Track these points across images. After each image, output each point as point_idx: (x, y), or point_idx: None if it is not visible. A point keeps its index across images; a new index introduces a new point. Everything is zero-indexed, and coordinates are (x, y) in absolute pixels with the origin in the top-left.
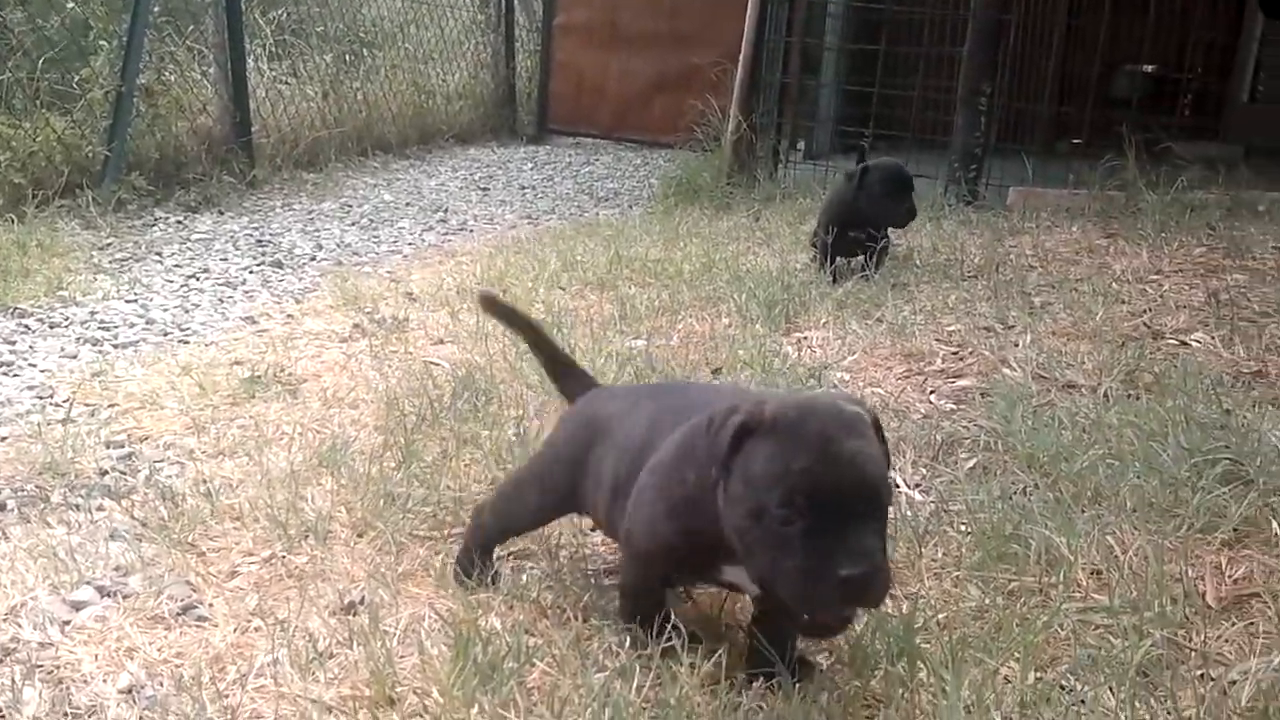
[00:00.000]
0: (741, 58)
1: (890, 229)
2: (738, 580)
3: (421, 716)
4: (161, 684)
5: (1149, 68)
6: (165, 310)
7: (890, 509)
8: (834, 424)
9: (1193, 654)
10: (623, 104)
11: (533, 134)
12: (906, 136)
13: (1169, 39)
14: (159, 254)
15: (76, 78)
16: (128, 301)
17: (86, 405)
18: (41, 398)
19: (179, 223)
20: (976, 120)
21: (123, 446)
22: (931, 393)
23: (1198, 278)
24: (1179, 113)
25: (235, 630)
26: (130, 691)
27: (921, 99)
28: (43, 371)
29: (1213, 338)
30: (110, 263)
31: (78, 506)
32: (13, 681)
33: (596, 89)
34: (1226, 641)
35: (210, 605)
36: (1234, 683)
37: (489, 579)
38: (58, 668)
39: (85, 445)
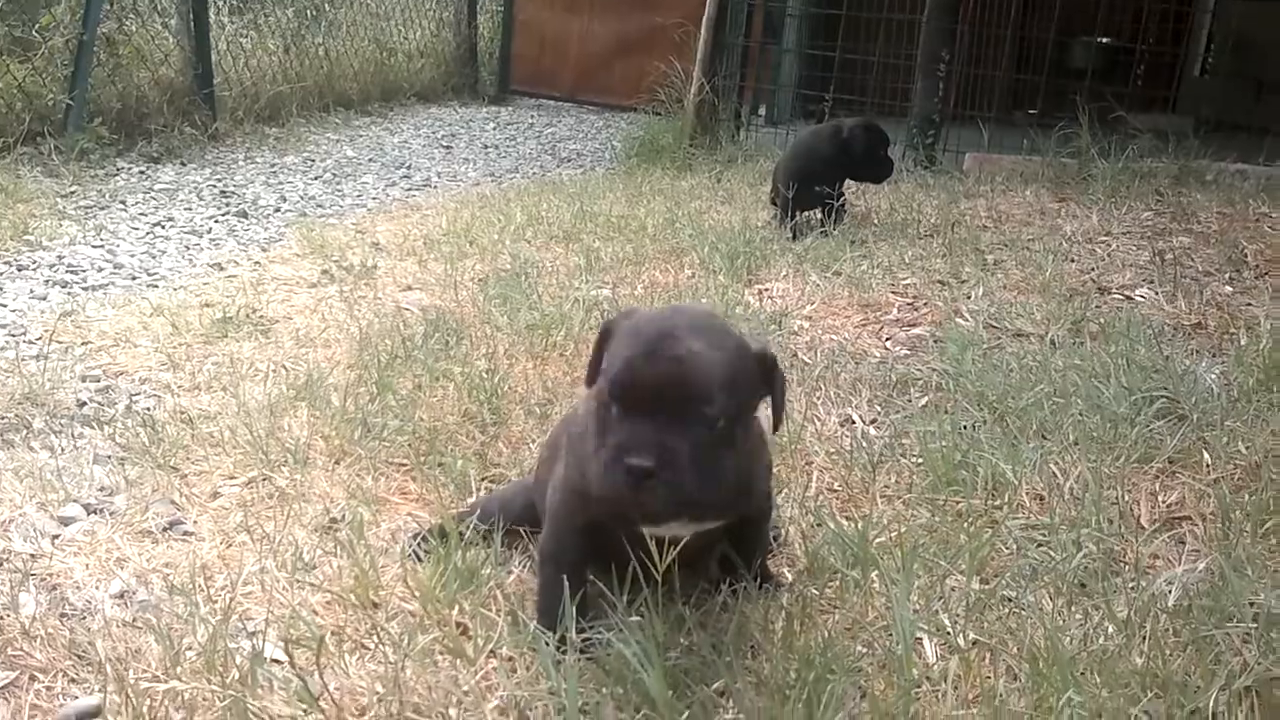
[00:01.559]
0: (704, 19)
1: (881, 179)
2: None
3: (405, 616)
4: (153, 590)
5: (1104, 39)
6: (132, 256)
7: (724, 424)
8: (677, 326)
9: (1126, 567)
10: (585, 65)
11: (494, 94)
12: (866, 102)
13: (1124, 10)
14: (123, 202)
15: (37, 25)
16: (94, 247)
17: (60, 343)
18: (14, 335)
19: (141, 173)
20: (935, 86)
21: (99, 380)
22: (888, 339)
23: (1144, 239)
24: (1132, 83)
25: (221, 544)
26: (123, 596)
27: (881, 65)
28: (13, 311)
29: (1156, 293)
30: (75, 210)
31: (59, 433)
32: (9, 586)
33: (559, 50)
34: (1157, 557)
35: (195, 522)
36: (1165, 588)
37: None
38: (50, 575)
39: (62, 379)
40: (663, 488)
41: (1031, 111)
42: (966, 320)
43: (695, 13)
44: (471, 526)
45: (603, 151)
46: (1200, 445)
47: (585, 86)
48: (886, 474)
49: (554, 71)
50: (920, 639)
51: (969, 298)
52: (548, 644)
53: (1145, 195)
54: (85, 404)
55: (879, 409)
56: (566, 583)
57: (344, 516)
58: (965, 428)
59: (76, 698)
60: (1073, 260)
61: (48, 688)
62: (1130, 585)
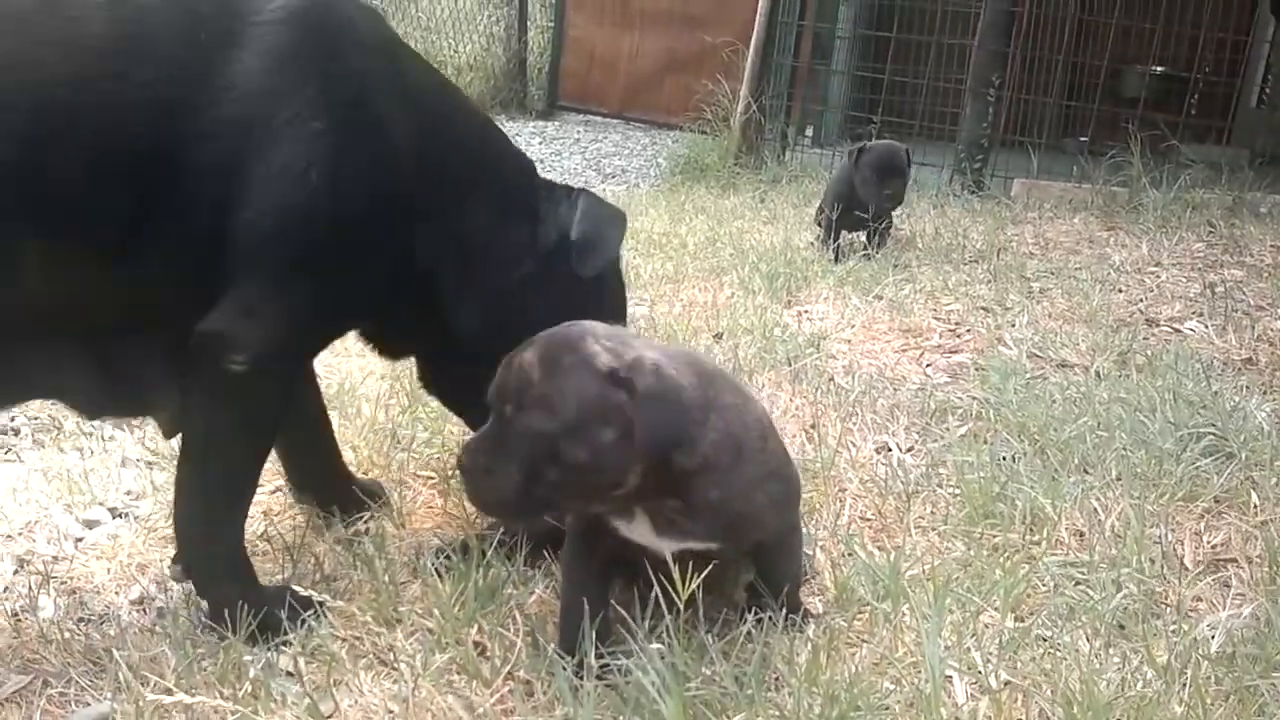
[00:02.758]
0: (753, 39)
1: (880, 210)
2: (642, 539)
3: (423, 634)
4: (172, 597)
5: (1158, 68)
6: None
7: (534, 442)
8: (540, 338)
9: (1168, 609)
10: (634, 83)
11: (542, 109)
12: (915, 125)
13: (1180, 39)
14: None
15: None
16: None
17: None
18: None
19: None
20: (984, 111)
21: None
22: (928, 366)
23: (1195, 271)
24: (1185, 112)
25: None
26: (142, 602)
27: (931, 88)
28: None
29: (1206, 327)
30: None
31: (90, 434)
32: (29, 589)
33: (608, 66)
34: (1200, 600)
35: None
36: (1208, 633)
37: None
38: (72, 579)
39: None
40: (466, 483)
41: (1083, 139)
42: (1010, 349)
43: (744, 32)
44: (495, 543)
45: (648, 169)
46: (1249, 485)
47: (633, 104)
48: (922, 504)
49: (602, 88)
50: (950, 677)
51: (1013, 325)
52: (565, 668)
53: (1197, 226)
54: None
55: (916, 436)
56: (586, 605)
57: (368, 530)
58: (1004, 459)
59: (88, 704)
60: (1120, 290)
61: (60, 693)
62: (1171, 629)
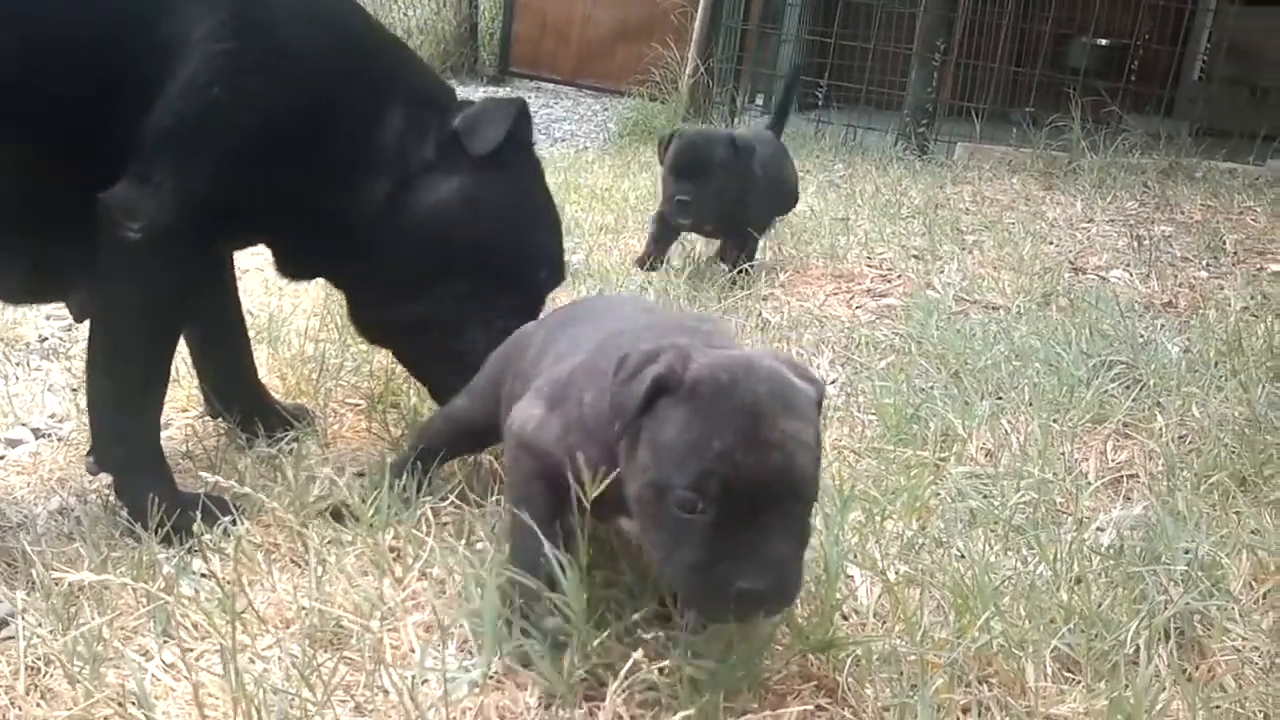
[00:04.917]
0: (701, 2)
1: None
2: (634, 536)
3: (337, 542)
4: (90, 507)
5: (1103, 40)
6: None
7: (813, 503)
8: (769, 399)
9: (1068, 517)
10: (586, 49)
11: (493, 75)
12: (861, 90)
13: (1125, 9)
14: None
15: None
16: None
17: None
18: None
19: None
20: (930, 77)
21: (64, 319)
22: (857, 307)
23: (1126, 227)
24: (1126, 79)
25: None
26: (61, 512)
27: (879, 54)
28: None
29: (1131, 274)
30: None
31: (16, 363)
32: None
33: (560, 33)
34: (1099, 511)
35: None
36: (1099, 529)
37: (417, 477)
38: None
39: (26, 317)
40: (778, 604)
41: (1028, 109)
42: (937, 291)
43: None
44: (414, 455)
45: (597, 133)
46: (1155, 409)
47: (585, 70)
48: (839, 426)
49: (554, 54)
50: (851, 574)
51: (942, 272)
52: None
53: (1132, 187)
54: (46, 339)
55: (840, 368)
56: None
57: (291, 450)
58: (922, 387)
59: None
60: (1052, 243)
61: None
62: (1068, 534)
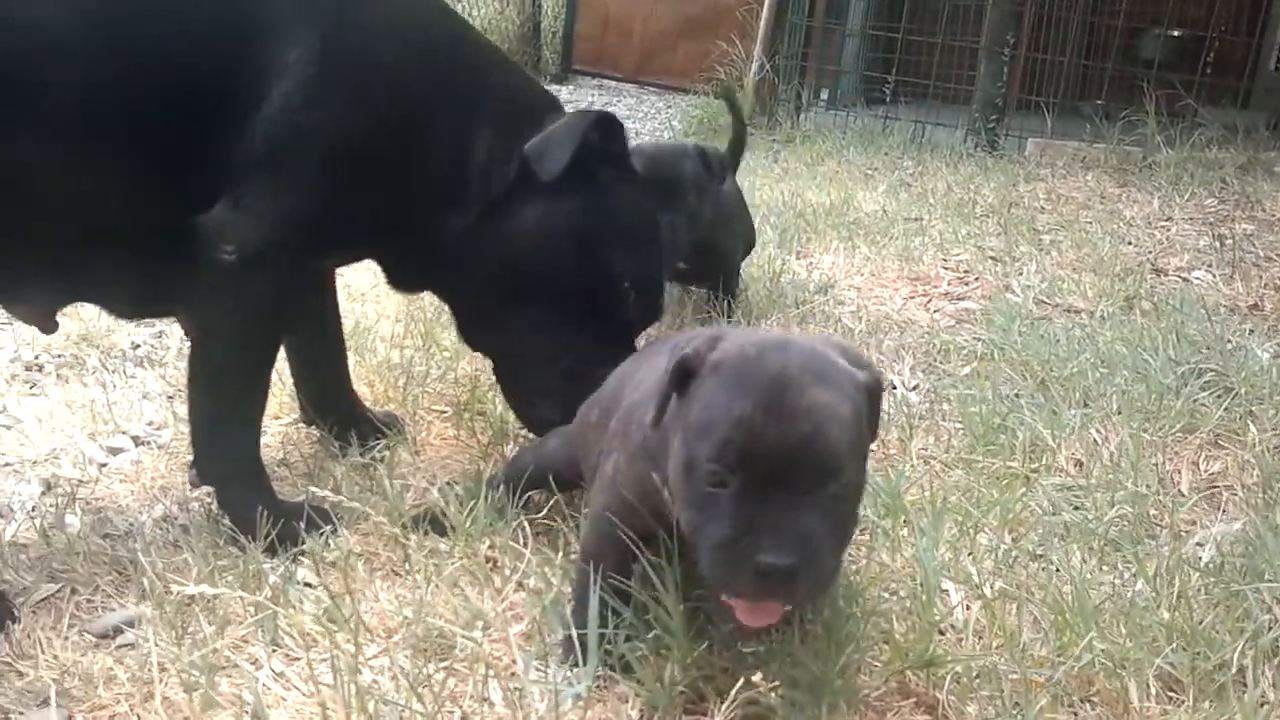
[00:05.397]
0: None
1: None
2: None
3: (435, 552)
4: (194, 516)
5: (1176, 31)
6: None
7: (854, 488)
8: (797, 370)
9: (1162, 530)
10: (648, 46)
11: (556, 73)
12: (929, 85)
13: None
14: None
15: None
16: None
17: None
18: None
19: None
20: (999, 71)
21: (154, 325)
22: (935, 311)
23: (1206, 225)
24: (1200, 71)
25: None
26: (165, 520)
27: (946, 48)
28: None
29: (1214, 276)
30: None
31: (112, 371)
32: (57, 507)
33: (622, 30)
34: (1194, 523)
35: None
36: (1198, 549)
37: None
38: (96, 500)
39: (119, 324)
40: (805, 585)
41: (1099, 101)
42: (1016, 295)
43: None
44: (502, 475)
45: (662, 131)
46: (1248, 419)
47: (647, 67)
48: (924, 434)
49: (617, 51)
50: (946, 589)
51: (1021, 274)
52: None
53: (1210, 183)
54: (139, 346)
55: (921, 375)
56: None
57: (383, 458)
58: (1007, 395)
59: (113, 610)
60: (1130, 243)
61: (88, 600)
62: (1165, 547)
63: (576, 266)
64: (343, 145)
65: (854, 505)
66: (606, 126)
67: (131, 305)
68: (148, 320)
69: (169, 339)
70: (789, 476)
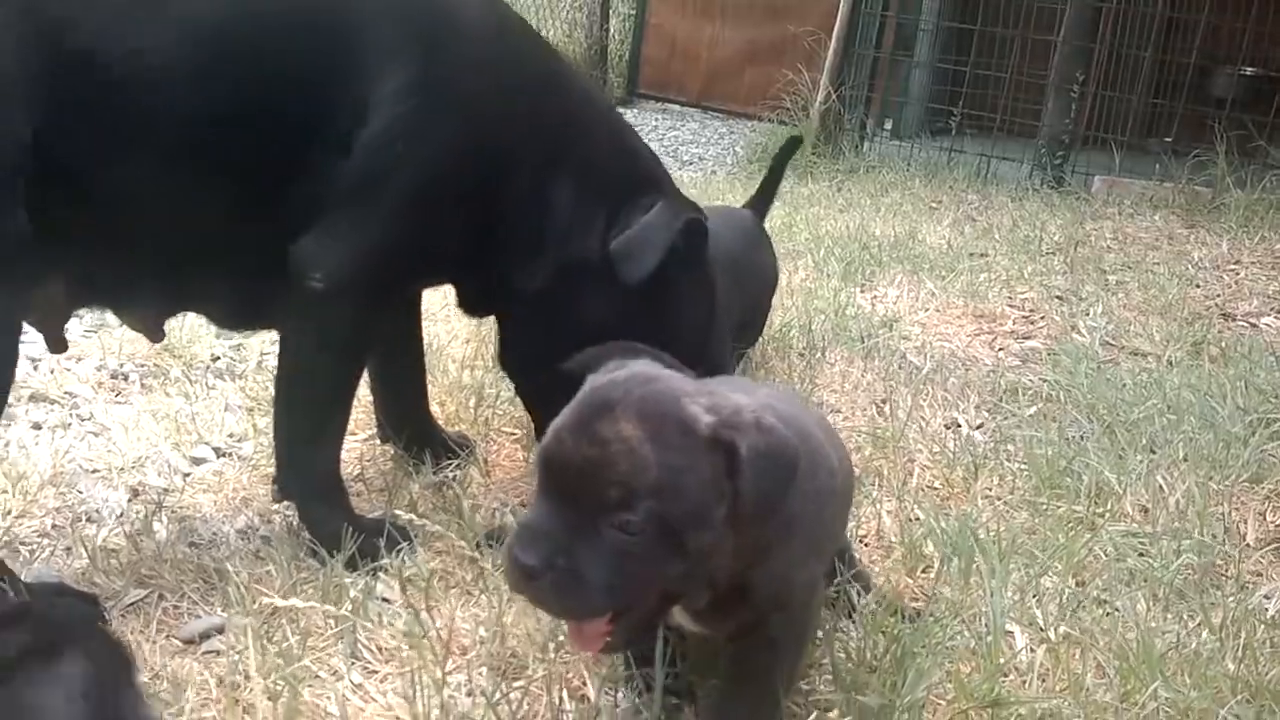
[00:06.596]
0: (836, 29)
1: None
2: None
3: None
4: (275, 527)
5: (1249, 69)
6: None
7: (652, 532)
8: (623, 403)
9: (1228, 581)
10: (714, 72)
11: (621, 96)
12: (996, 119)
13: (1273, 38)
14: None
15: None
16: None
17: None
18: None
19: None
20: (1067, 107)
21: (233, 338)
22: (1000, 349)
23: (1276, 270)
24: (1274, 113)
25: None
26: (247, 531)
27: (1014, 83)
28: None
29: None
30: None
31: (194, 382)
32: (143, 515)
33: (688, 55)
34: (1260, 575)
35: None
36: (1265, 601)
37: None
38: (181, 508)
39: (199, 335)
40: (553, 595)
41: (1167, 140)
42: (1083, 336)
43: (826, 22)
44: None
45: (725, 156)
46: None
47: (712, 93)
48: (989, 475)
49: (682, 76)
50: (1011, 630)
51: (1087, 314)
52: None
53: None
54: (219, 358)
55: (986, 414)
56: None
57: (455, 476)
58: (1073, 437)
59: (199, 616)
60: (1198, 286)
61: (175, 606)
62: (1230, 599)
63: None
64: (432, 183)
65: (653, 550)
66: (693, 232)
67: (233, 318)
68: (226, 334)
69: (247, 352)
70: (572, 492)
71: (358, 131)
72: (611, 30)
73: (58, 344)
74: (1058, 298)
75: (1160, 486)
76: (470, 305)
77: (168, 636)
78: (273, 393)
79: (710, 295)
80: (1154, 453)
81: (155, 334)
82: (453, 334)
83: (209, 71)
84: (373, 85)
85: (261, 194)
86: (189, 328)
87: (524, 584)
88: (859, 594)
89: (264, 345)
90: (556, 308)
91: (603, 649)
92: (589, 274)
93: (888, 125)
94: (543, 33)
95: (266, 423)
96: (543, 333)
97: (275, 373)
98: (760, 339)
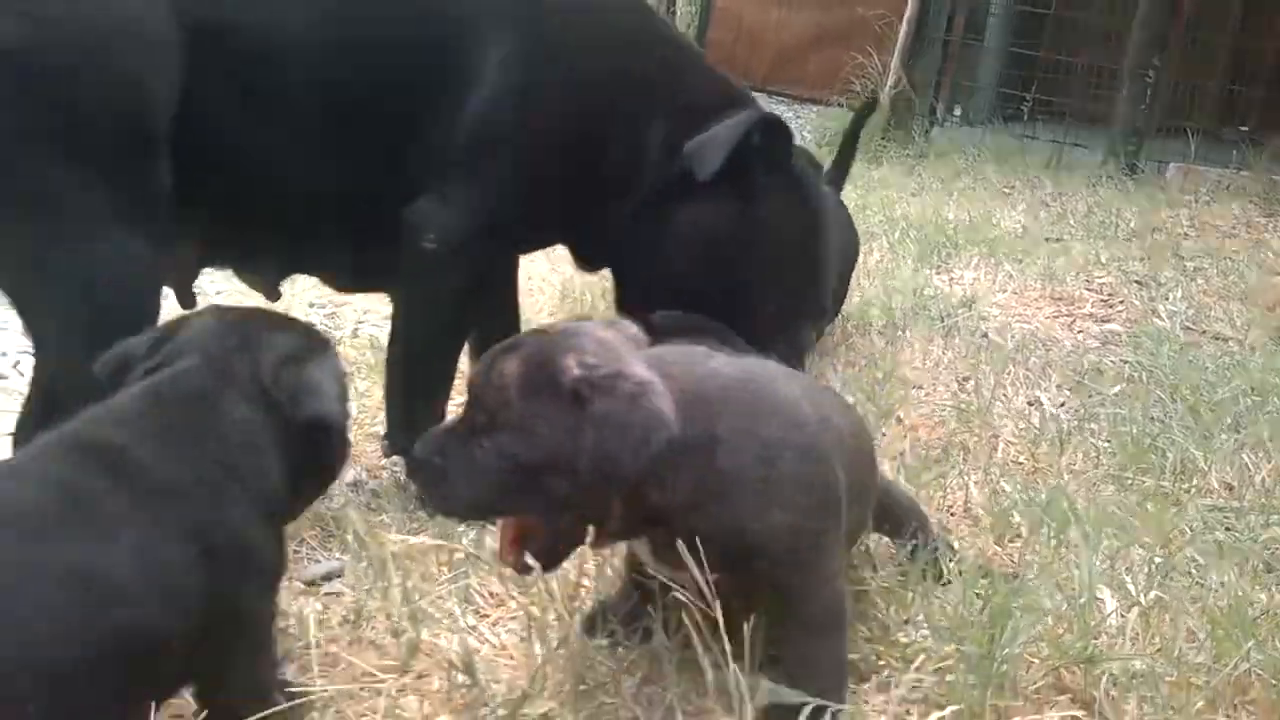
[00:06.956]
0: (907, 12)
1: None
2: (644, 558)
3: None
4: (383, 481)
5: None
6: None
7: (520, 457)
8: (523, 349)
9: None
10: (780, 55)
11: None
12: (1068, 105)
13: None
14: None
15: None
16: None
17: None
18: None
19: None
20: (1142, 94)
21: (325, 308)
22: (1079, 332)
23: None
24: None
25: None
26: (356, 485)
27: (1087, 69)
28: None
29: None
30: None
31: None
32: None
33: (754, 38)
34: None
35: None
36: None
37: None
38: None
39: (293, 304)
40: (420, 482)
41: (1243, 128)
42: (1163, 320)
43: (897, 6)
44: None
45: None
46: None
47: (777, 76)
48: (1073, 451)
49: (748, 59)
50: (1101, 597)
51: (1167, 299)
52: None
53: None
54: (314, 326)
55: (1068, 393)
56: None
57: None
58: (1156, 417)
59: (319, 561)
60: (1278, 273)
61: (294, 551)
62: None
63: (706, 271)
64: (542, 144)
65: (509, 479)
66: (769, 129)
67: (347, 279)
68: (319, 304)
69: (338, 319)
70: (469, 410)
71: (470, 95)
72: (679, 13)
73: (187, 300)
74: (1136, 282)
75: (1246, 465)
76: (581, 260)
77: (290, 579)
78: (371, 358)
79: (800, 205)
80: (1239, 432)
81: (272, 293)
82: (535, 308)
83: (335, 40)
84: (484, 50)
85: (379, 157)
86: (284, 298)
87: (410, 471)
88: (950, 560)
89: (359, 314)
90: (662, 240)
91: (521, 569)
92: (686, 198)
93: (957, 111)
94: None
95: (365, 385)
96: (652, 269)
97: (389, 333)
98: (839, 316)
